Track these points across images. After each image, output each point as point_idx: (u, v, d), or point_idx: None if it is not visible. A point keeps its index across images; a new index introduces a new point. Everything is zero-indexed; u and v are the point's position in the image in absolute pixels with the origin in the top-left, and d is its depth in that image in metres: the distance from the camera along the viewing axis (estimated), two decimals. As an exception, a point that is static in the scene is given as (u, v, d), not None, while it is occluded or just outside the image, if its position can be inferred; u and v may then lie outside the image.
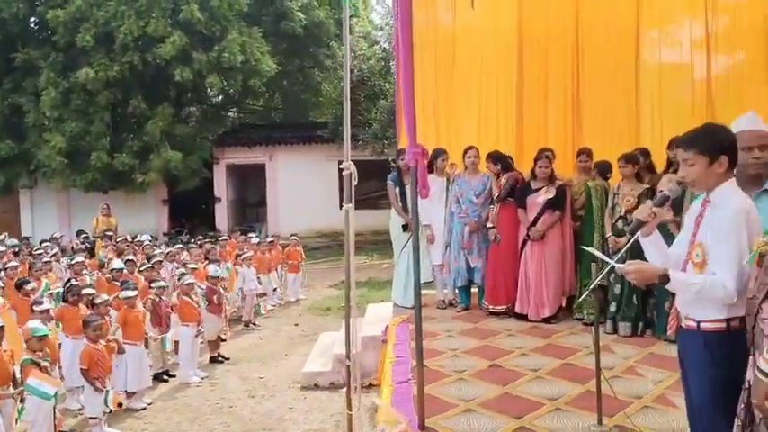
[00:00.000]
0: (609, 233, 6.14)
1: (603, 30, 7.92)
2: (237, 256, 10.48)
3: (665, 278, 2.58)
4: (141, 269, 8.50)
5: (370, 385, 6.13)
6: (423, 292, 7.55)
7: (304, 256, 12.55)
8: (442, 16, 8.19)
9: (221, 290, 8.41)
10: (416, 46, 7.77)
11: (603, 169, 6.74)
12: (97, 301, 6.36)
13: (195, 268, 8.83)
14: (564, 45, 7.95)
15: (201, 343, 7.89)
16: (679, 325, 2.79)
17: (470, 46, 8.10)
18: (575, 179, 6.91)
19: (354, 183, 3.88)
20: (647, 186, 6.02)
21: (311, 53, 19.38)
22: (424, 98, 7.98)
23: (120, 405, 6.02)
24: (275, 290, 11.51)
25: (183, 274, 8.02)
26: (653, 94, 7.94)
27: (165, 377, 7.30)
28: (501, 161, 6.98)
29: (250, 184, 21.76)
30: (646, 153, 6.55)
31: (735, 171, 2.96)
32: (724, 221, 2.52)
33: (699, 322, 2.62)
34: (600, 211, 6.43)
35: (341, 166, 3.88)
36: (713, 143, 2.63)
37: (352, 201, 3.91)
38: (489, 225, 6.87)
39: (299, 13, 17.92)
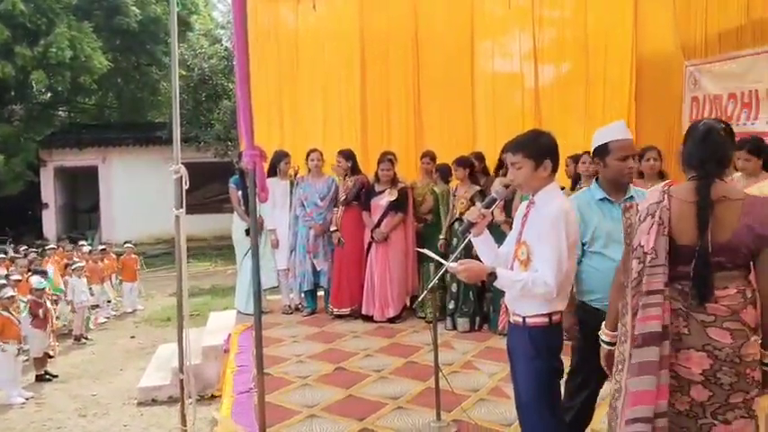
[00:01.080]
0: (442, 235, 6.38)
1: (441, 39, 8.23)
2: (67, 265, 9.75)
3: (493, 276, 2.68)
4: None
5: (213, 397, 5.93)
6: (269, 297, 7.51)
7: (141, 264, 11.92)
8: (284, 16, 8.13)
9: (47, 302, 7.77)
10: (258, 45, 7.73)
11: (444, 172, 6.95)
12: None
13: (19, 280, 8.12)
14: (405, 52, 8.16)
15: (26, 361, 7.26)
16: (508, 320, 2.91)
17: (313, 47, 8.09)
18: (418, 181, 7.07)
19: (186, 187, 3.72)
20: (479, 188, 6.31)
21: (148, 50, 18.51)
22: (267, 99, 7.90)
23: None
24: (109, 301, 10.83)
25: (2, 286, 7.32)
26: (487, 101, 8.37)
27: (-17, 400, 6.66)
28: (352, 159, 7.00)
29: (81, 189, 20.33)
30: (480, 157, 6.86)
31: (606, 179, 3.07)
32: (545, 222, 2.65)
33: (524, 318, 2.74)
34: (447, 215, 6.66)
35: (170, 169, 3.70)
36: (538, 148, 2.76)
37: (183, 206, 3.73)
38: (333, 228, 6.86)
39: (134, 8, 17.04)
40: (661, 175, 5.30)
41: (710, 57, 7.08)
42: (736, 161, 4.45)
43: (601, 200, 3.07)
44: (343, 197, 6.85)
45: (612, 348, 2.54)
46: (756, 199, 2.37)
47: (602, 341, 2.64)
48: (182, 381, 3.97)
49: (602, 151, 3.05)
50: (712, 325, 2.25)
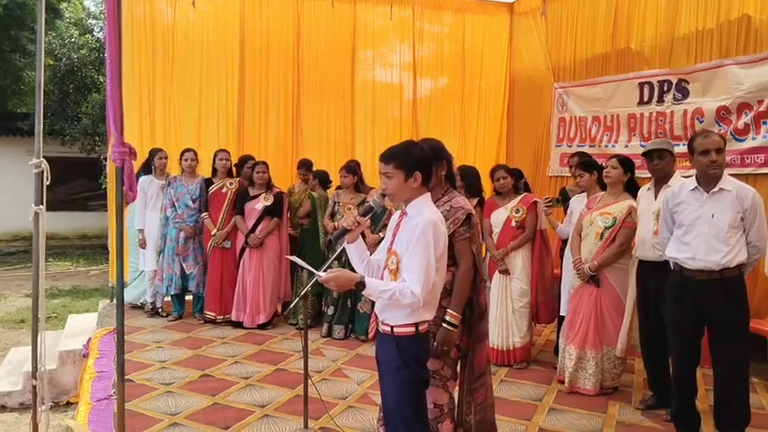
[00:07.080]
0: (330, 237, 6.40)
1: (323, 45, 8.24)
2: None
3: (361, 285, 2.70)
4: None
5: (69, 403, 5.61)
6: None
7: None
8: (161, 9, 7.81)
9: None
10: (132, 39, 7.41)
11: (323, 179, 6.96)
12: None
13: None
14: (286, 56, 8.11)
15: None
16: (377, 329, 2.94)
17: (191, 44, 7.84)
18: (296, 186, 7.04)
19: (47, 182, 3.50)
20: (365, 195, 6.38)
21: (12, 36, 17.17)
22: (139, 94, 7.60)
23: None
24: (-45, 301, 9.97)
25: None
26: (366, 109, 8.47)
27: None
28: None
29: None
30: (357, 164, 6.89)
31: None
32: (414, 232, 2.69)
33: (392, 327, 2.77)
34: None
35: (30, 163, 3.47)
36: (409, 160, 2.80)
37: (44, 203, 3.51)
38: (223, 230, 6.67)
39: (-1, -9, 15.82)
40: (516, 190, 5.55)
41: (578, 80, 7.53)
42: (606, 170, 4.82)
43: None
44: (233, 200, 6.70)
45: (455, 330, 3.14)
46: None
47: (449, 323, 3.12)
48: (35, 387, 3.70)
49: None
50: None
